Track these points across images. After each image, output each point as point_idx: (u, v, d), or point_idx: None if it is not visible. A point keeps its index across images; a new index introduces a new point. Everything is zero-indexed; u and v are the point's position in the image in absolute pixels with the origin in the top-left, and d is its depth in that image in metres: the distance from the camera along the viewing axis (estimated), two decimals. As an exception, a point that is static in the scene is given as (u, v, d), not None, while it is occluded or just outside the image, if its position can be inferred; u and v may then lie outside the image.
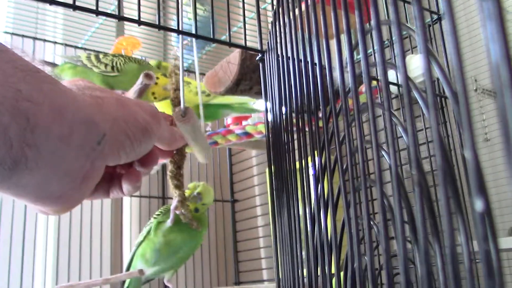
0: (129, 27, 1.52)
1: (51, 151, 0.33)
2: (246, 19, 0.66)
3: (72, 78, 1.03)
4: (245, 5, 0.76)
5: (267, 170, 1.39)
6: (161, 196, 1.56)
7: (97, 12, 0.49)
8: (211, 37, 0.60)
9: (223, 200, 1.69)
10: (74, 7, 0.47)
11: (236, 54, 0.83)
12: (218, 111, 1.20)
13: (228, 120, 1.39)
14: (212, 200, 1.21)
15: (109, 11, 1.25)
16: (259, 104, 1.25)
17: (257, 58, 0.63)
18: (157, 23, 0.53)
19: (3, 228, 1.29)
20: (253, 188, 1.65)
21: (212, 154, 1.72)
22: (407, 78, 0.24)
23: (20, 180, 0.33)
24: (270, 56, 0.57)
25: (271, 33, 0.56)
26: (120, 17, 0.51)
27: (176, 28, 0.54)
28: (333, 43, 0.40)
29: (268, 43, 0.59)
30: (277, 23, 0.52)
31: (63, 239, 1.38)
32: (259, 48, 0.63)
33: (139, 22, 0.53)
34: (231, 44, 0.61)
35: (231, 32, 0.66)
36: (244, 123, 1.28)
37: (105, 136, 0.38)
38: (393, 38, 1.01)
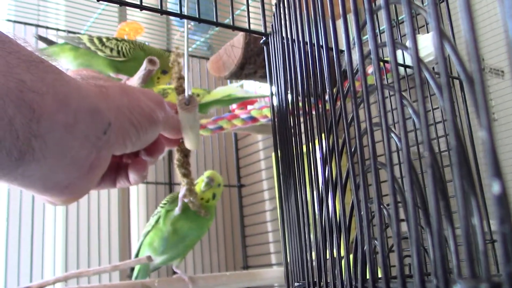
0: (131, 12, 1.51)
1: (57, 141, 0.33)
2: (250, 1, 0.65)
3: (73, 60, 1.03)
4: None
5: (273, 154, 1.39)
6: (168, 182, 1.56)
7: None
8: (214, 20, 0.59)
9: (230, 185, 1.69)
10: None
11: (240, 37, 0.82)
12: (206, 109, 1.20)
13: (234, 105, 1.38)
14: (222, 180, 1.22)
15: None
16: (264, 88, 1.24)
17: (262, 41, 0.62)
18: (159, 7, 0.53)
19: (12, 218, 1.30)
20: (260, 173, 1.65)
21: (218, 139, 1.72)
22: (418, 59, 0.23)
23: (26, 170, 0.33)
24: (275, 39, 0.57)
25: (275, 15, 0.55)
26: (122, 2, 0.50)
27: (178, 12, 0.53)
28: (340, 23, 0.39)
29: (272, 25, 0.58)
30: (281, 5, 0.51)
31: (72, 227, 1.39)
32: (263, 31, 0.62)
33: (141, 7, 0.52)
34: (234, 27, 0.60)
35: (234, 15, 0.65)
36: (249, 107, 1.28)
37: (111, 125, 0.38)
38: (399, 18, 1.00)
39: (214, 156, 1.69)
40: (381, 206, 0.25)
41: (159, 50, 1.19)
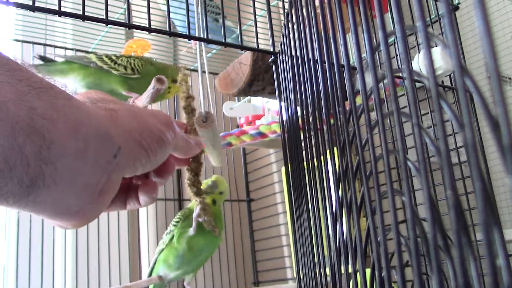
0: (138, 30, 1.51)
1: (67, 167, 0.33)
2: (257, 16, 0.65)
3: (83, 79, 1.02)
4: (255, 3, 0.76)
5: (283, 168, 1.38)
6: (177, 198, 1.56)
7: (107, 22, 0.48)
8: (223, 41, 0.59)
9: (239, 199, 1.68)
10: (83, 17, 0.46)
11: (247, 54, 0.82)
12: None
13: (241, 119, 1.38)
14: (227, 189, 1.20)
15: (117, 16, 1.25)
16: (272, 103, 1.24)
17: (270, 60, 0.62)
18: (167, 29, 0.53)
19: (22, 236, 1.30)
20: (269, 187, 1.64)
21: (226, 153, 1.71)
22: (435, 81, 0.22)
23: (37, 197, 0.33)
24: (283, 57, 0.56)
25: (284, 34, 0.55)
26: (130, 25, 0.50)
27: (186, 33, 0.53)
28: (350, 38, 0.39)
29: (281, 45, 0.58)
30: (289, 24, 0.51)
31: (82, 246, 1.39)
32: (271, 50, 0.62)
33: (149, 29, 0.52)
34: (243, 47, 0.60)
35: (242, 30, 0.65)
36: (257, 122, 1.27)
37: (121, 149, 0.38)
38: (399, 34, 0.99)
39: (222, 170, 1.68)
40: (400, 239, 0.25)
41: (167, 64, 1.18)
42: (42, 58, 1.04)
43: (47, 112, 0.32)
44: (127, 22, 0.48)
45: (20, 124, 0.30)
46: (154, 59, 1.15)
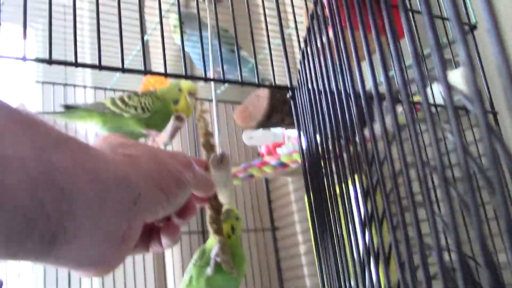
0: (155, 64, 1.53)
1: (88, 218, 0.33)
2: (271, 45, 0.66)
3: (103, 125, 1.04)
4: (269, 32, 0.76)
5: (305, 195, 1.37)
6: (201, 230, 1.55)
7: (124, 70, 0.48)
8: (240, 80, 0.59)
9: (264, 228, 1.67)
10: (100, 67, 0.47)
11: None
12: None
13: (262, 148, 1.38)
14: (241, 215, 1.18)
15: (134, 53, 1.26)
16: (292, 130, 1.23)
17: (288, 96, 0.62)
18: (183, 73, 0.53)
19: (49, 270, 1.30)
20: (294, 214, 1.62)
21: (248, 181, 1.70)
22: (459, 131, 0.22)
23: (59, 252, 0.32)
24: (301, 92, 0.56)
25: (300, 71, 0.55)
26: (147, 72, 0.50)
27: (203, 76, 0.53)
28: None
29: (297, 81, 0.58)
30: (305, 62, 0.51)
31: (108, 283, 1.38)
32: (288, 85, 0.62)
33: (165, 74, 0.53)
34: (259, 85, 0.60)
35: (257, 60, 0.65)
36: (278, 150, 1.27)
37: (141, 195, 0.38)
38: (425, 54, 0.98)
39: (245, 199, 1.67)
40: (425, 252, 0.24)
41: (172, 85, 1.16)
42: (65, 106, 1.06)
43: (65, 164, 0.32)
44: (143, 69, 0.48)
45: (39, 179, 0.30)
46: (157, 90, 1.13)
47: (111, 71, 0.50)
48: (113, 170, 0.36)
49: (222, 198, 0.50)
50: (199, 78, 0.55)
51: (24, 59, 0.45)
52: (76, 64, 0.46)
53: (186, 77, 0.52)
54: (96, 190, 0.33)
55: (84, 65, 0.47)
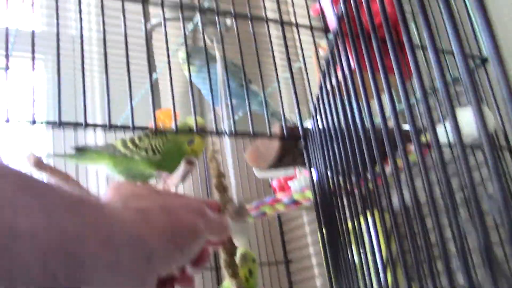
0: (165, 99, 1.54)
1: (101, 282, 0.33)
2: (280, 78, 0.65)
3: (114, 167, 1.04)
4: (278, 68, 0.76)
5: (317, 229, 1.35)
6: (214, 267, 1.53)
7: (134, 127, 0.48)
8: (251, 133, 0.58)
9: (277, 261, 1.64)
10: (110, 126, 0.47)
11: (275, 128, 0.81)
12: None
13: (274, 182, 1.36)
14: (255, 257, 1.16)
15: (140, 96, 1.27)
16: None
17: (300, 146, 0.61)
18: (195, 130, 0.52)
19: None
20: (308, 247, 1.60)
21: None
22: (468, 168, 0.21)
23: None
24: (313, 138, 0.55)
25: (313, 124, 0.54)
26: (158, 131, 0.50)
27: (214, 129, 0.53)
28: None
29: (310, 132, 0.57)
30: (317, 116, 0.50)
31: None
32: (300, 133, 0.62)
33: (176, 131, 0.52)
34: (271, 136, 0.59)
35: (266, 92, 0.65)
36: (289, 183, 1.26)
37: (154, 253, 0.37)
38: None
39: (257, 232, 1.65)
40: None
41: (182, 125, 1.15)
42: (76, 148, 1.07)
43: (78, 230, 0.32)
44: (154, 128, 0.48)
45: (51, 250, 0.30)
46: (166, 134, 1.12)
47: (120, 129, 0.49)
48: (126, 230, 0.36)
49: (237, 242, 0.49)
50: (211, 132, 0.55)
51: (33, 122, 0.45)
52: (85, 125, 0.46)
53: (196, 132, 0.52)
54: (110, 255, 0.33)
55: (93, 125, 0.47)
